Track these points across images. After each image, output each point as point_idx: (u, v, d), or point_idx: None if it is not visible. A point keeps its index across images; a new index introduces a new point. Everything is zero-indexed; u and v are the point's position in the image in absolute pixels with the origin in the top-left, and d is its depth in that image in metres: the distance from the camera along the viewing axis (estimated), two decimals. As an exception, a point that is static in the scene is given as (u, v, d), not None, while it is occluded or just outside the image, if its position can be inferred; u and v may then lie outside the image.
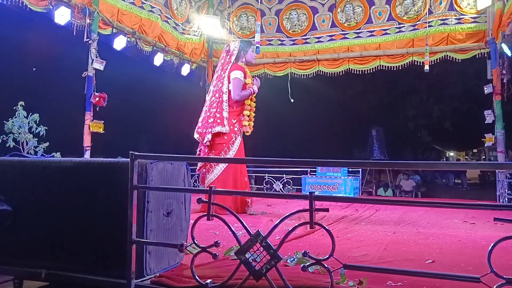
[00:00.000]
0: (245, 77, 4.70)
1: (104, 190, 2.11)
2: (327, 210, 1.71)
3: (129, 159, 1.99)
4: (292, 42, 7.77)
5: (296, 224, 1.71)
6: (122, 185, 1.99)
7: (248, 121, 4.72)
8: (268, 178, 7.32)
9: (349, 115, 13.42)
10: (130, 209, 1.96)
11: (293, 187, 7.43)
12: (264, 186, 7.37)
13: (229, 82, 4.65)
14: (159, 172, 2.12)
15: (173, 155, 2.01)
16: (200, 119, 4.80)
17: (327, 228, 1.65)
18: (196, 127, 4.78)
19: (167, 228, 2.17)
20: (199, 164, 4.74)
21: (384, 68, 7.19)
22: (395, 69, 7.17)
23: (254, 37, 6.61)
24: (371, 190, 11.06)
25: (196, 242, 1.82)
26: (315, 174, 7.33)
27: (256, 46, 5.33)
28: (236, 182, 4.52)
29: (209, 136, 4.52)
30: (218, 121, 4.54)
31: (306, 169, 7.54)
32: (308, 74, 7.63)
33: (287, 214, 1.72)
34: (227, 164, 4.58)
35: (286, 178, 7.27)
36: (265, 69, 7.79)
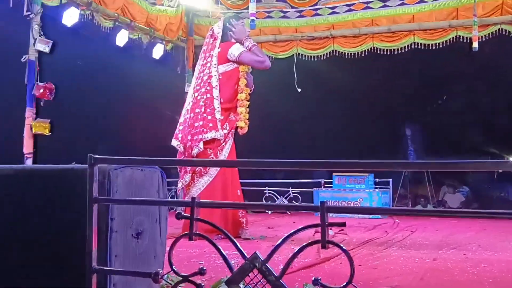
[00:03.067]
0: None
1: (55, 204, 2.16)
2: (343, 224, 1.78)
3: (87, 165, 2.04)
4: (299, 14, 7.86)
5: (304, 244, 1.77)
6: (78, 198, 2.04)
7: (243, 120, 4.82)
8: (268, 192, 7.40)
9: (375, 110, 13.44)
10: (90, 229, 2.00)
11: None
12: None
13: (219, 75, 4.75)
14: (126, 180, 2.18)
15: (143, 158, 2.07)
16: (181, 121, 4.87)
17: (342, 246, 1.71)
18: (176, 132, 4.84)
19: (138, 253, 2.22)
20: (181, 182, 4.78)
21: (419, 47, 7.27)
22: (434, 48, 7.25)
23: (248, 8, 6.68)
24: (406, 207, 11.12)
25: (175, 269, 1.88)
26: (331, 187, 7.41)
27: (251, 20, 5.40)
28: (226, 197, 4.60)
29: (201, 146, 4.62)
30: (210, 124, 4.64)
31: (319, 180, 7.60)
32: (320, 56, 7.71)
33: (293, 231, 1.78)
34: (214, 175, 4.65)
35: (292, 193, 7.34)
36: (263, 49, 7.82)
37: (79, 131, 8.53)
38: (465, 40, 7.03)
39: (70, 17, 5.95)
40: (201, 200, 1.94)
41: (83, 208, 2.00)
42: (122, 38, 6.87)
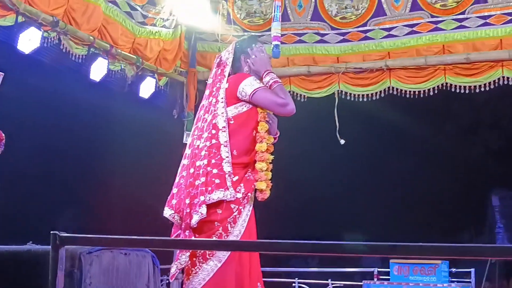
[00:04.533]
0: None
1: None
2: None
3: (49, 246, 2.02)
4: (342, 38, 7.94)
5: None
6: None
7: (265, 180, 4.76)
8: (298, 285, 7.30)
9: (448, 170, 13.37)
10: None
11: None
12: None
13: (229, 119, 4.74)
14: (104, 269, 2.16)
15: (128, 238, 2.06)
16: (176, 182, 4.83)
17: None
18: (169, 198, 4.79)
19: None
20: (176, 264, 4.72)
21: (510, 83, 7.26)
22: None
23: (269, 29, 6.78)
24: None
25: None
26: (388, 279, 7.32)
27: (274, 45, 5.45)
28: (241, 288, 4.51)
29: (204, 211, 4.48)
30: (217, 181, 4.53)
31: (371, 269, 7.49)
32: (371, 95, 7.74)
33: None
34: (224, 259, 4.57)
35: (333, 286, 7.24)
36: (292, 85, 7.93)
37: (36, 197, 8.54)
38: None
39: (29, 41, 6.05)
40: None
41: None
42: (99, 70, 6.94)
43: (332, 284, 7.32)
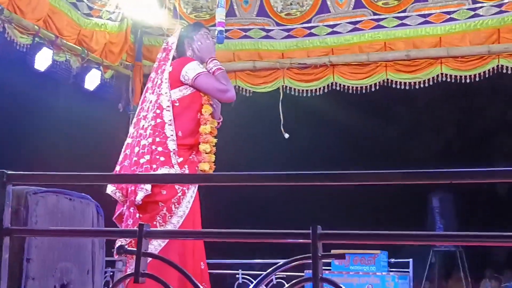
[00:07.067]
0: None
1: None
2: (342, 257, 1.88)
3: None
4: (286, 34, 8.08)
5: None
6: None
7: (208, 161, 4.84)
8: (242, 278, 7.37)
9: (389, 167, 13.55)
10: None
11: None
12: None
13: (173, 101, 4.81)
14: (50, 210, 2.25)
15: (74, 174, 2.16)
16: (119, 160, 4.88)
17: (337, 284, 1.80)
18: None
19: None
20: (120, 240, 4.74)
21: (449, 80, 7.50)
22: (468, 81, 7.47)
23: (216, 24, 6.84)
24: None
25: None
26: (330, 269, 7.40)
27: (219, 31, 5.56)
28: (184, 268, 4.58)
29: (148, 187, 4.48)
30: (161, 158, 4.56)
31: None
32: (314, 90, 7.88)
33: (280, 263, 1.87)
34: (166, 240, 4.64)
35: (276, 278, 7.33)
36: (237, 80, 8.02)
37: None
38: (510, 71, 7.23)
39: (-28, 30, 6.11)
40: (152, 229, 2.01)
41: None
42: (43, 60, 6.93)
43: (276, 274, 7.41)
